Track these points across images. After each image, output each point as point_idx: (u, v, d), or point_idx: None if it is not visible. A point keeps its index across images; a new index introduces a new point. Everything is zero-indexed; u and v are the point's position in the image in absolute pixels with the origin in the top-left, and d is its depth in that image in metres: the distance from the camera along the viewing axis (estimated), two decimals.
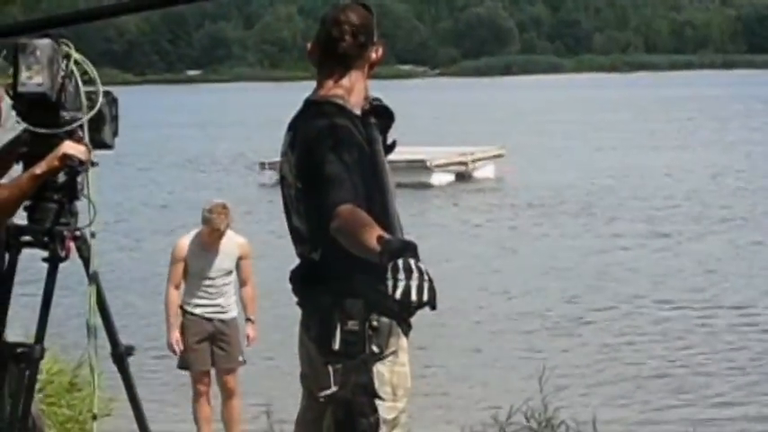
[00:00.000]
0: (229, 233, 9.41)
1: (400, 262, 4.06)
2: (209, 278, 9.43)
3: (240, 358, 9.51)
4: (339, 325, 4.58)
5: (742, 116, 55.46)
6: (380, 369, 4.61)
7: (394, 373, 4.66)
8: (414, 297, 4.04)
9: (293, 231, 4.83)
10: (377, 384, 4.60)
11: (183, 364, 9.58)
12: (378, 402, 4.59)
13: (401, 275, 4.04)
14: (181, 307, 9.45)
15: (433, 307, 4.11)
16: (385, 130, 4.86)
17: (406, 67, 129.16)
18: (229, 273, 9.43)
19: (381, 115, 4.87)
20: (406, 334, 4.72)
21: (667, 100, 71.05)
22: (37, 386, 6.07)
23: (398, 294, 4.04)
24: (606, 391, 12.00)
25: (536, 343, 14.44)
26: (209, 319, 9.45)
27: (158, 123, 53.18)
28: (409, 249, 4.13)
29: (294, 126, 4.81)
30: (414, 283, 4.04)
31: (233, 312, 9.52)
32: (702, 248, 21.73)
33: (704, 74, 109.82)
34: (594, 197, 28.85)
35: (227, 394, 9.60)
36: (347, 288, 4.61)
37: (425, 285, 4.06)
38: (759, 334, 14.90)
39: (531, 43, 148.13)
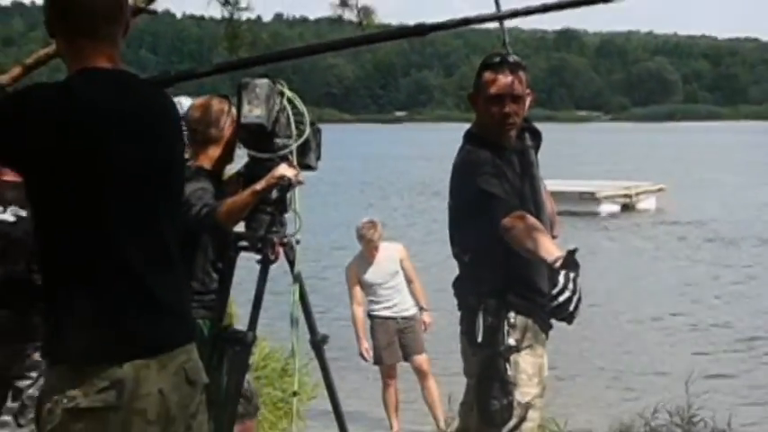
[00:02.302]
0: (384, 243, 9.63)
1: (572, 275, 4.13)
2: (381, 283, 9.59)
3: (423, 343, 9.59)
4: (482, 321, 4.62)
5: None
6: (517, 359, 4.62)
7: (529, 363, 4.66)
8: (571, 307, 4.15)
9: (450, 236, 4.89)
10: (512, 372, 4.60)
11: (376, 361, 9.65)
12: (511, 387, 4.60)
13: (570, 286, 4.12)
14: (369, 314, 9.65)
15: (570, 323, 4.25)
16: (536, 149, 4.84)
17: (583, 113, 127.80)
18: (396, 274, 9.54)
19: (535, 136, 4.86)
20: (545, 331, 4.74)
21: None
22: (253, 369, 6.22)
23: (561, 300, 4.13)
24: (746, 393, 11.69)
25: (677, 350, 14.16)
26: (393, 318, 9.57)
27: (368, 154, 53.55)
28: (578, 267, 4.18)
29: None
30: (574, 297, 4.13)
31: (412, 310, 9.57)
32: None
33: None
34: (748, 228, 28.16)
35: (423, 378, 9.61)
36: (490, 288, 4.65)
37: (577, 301, 4.16)
38: None
39: (693, 94, 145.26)
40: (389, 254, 9.58)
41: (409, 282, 9.55)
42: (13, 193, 5.61)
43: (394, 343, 9.59)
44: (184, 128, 5.51)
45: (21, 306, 5.71)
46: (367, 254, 9.65)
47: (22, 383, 5.80)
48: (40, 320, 5.74)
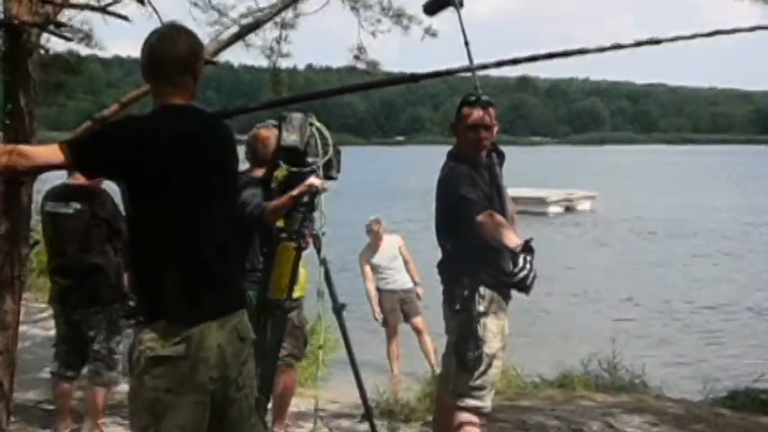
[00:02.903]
0: (387, 235, 9.85)
1: (528, 258, 4.17)
2: (385, 266, 9.76)
3: (420, 310, 9.70)
4: (459, 292, 4.63)
5: (762, 177, 53.43)
6: (485, 322, 4.61)
7: (494, 325, 4.66)
8: (528, 282, 4.19)
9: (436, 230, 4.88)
10: (481, 331, 4.60)
11: (384, 323, 9.76)
12: (481, 342, 4.60)
13: (527, 266, 4.15)
14: (377, 288, 9.71)
15: (527, 294, 4.29)
16: (501, 165, 4.81)
17: (536, 138, 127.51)
18: (396, 258, 9.72)
19: (500, 155, 4.83)
20: (507, 301, 4.72)
21: (709, 164, 69.02)
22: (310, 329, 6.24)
23: (520, 276, 4.18)
24: (656, 348, 11.69)
25: (606, 316, 14.12)
26: (396, 291, 9.72)
27: (376, 169, 53.62)
28: (533, 252, 4.21)
29: None
30: (531, 275, 4.17)
31: (409, 284, 9.72)
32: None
33: (732, 148, 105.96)
34: (661, 224, 28.18)
35: (419, 334, 9.77)
36: (466, 268, 4.64)
37: (533, 278, 4.18)
38: None
39: (618, 125, 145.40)
40: (391, 243, 9.77)
41: (406, 263, 9.71)
42: (76, 193, 5.74)
43: (396, 309, 9.73)
44: (245, 147, 5.58)
45: (78, 277, 5.74)
46: (374, 244, 9.80)
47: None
48: (96, 289, 5.82)
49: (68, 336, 5.85)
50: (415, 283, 9.72)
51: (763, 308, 15.20)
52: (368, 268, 9.76)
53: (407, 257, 9.79)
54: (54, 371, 5.91)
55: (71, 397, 6.00)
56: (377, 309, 9.69)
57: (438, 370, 8.32)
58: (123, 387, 5.84)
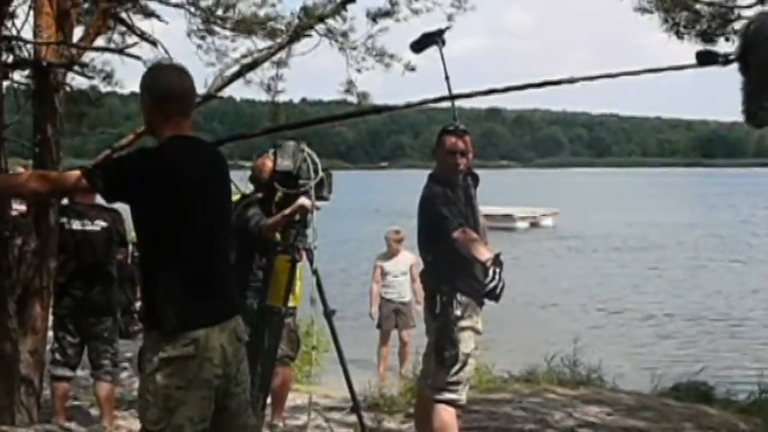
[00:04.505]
0: (405, 251, 9.48)
1: (498, 270, 4.13)
2: (394, 275, 9.51)
3: (411, 323, 9.36)
4: (438, 299, 4.61)
5: (703, 196, 53.84)
6: (461, 324, 4.61)
7: (470, 327, 4.65)
8: (497, 291, 4.14)
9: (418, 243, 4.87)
10: (457, 333, 4.59)
11: (378, 325, 9.62)
12: (458, 342, 4.60)
13: (497, 277, 4.11)
14: (380, 295, 9.56)
15: (497, 301, 4.23)
16: (475, 186, 4.83)
17: (504, 162, 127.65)
18: (405, 273, 9.43)
19: (475, 178, 4.85)
20: (480, 306, 4.70)
21: (655, 184, 69.48)
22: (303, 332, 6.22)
23: (491, 286, 4.13)
24: (615, 349, 11.71)
25: (566, 319, 14.16)
26: (394, 301, 9.52)
27: (363, 191, 53.66)
28: (502, 264, 4.17)
29: None
30: (500, 284, 4.12)
31: (408, 297, 9.45)
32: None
33: (677, 170, 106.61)
34: (609, 240, 28.29)
35: (403, 344, 9.55)
36: (444, 278, 4.63)
37: (502, 287, 4.14)
38: None
39: (576, 150, 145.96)
40: (405, 258, 9.46)
41: (413, 281, 9.36)
42: (96, 212, 5.78)
43: (391, 317, 9.54)
44: (249, 171, 5.62)
45: (101, 286, 5.74)
46: (391, 251, 9.59)
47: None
48: (115, 297, 5.83)
49: (75, 341, 5.78)
50: (418, 302, 9.25)
51: (704, 315, 15.20)
52: (378, 271, 9.65)
53: (415, 277, 9.41)
54: (58, 374, 5.79)
55: (68, 396, 5.99)
56: (374, 309, 9.58)
57: (407, 375, 8.37)
58: (136, 385, 5.81)
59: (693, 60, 3.33)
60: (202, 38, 7.18)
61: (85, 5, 6.02)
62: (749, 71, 3.10)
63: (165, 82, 3.13)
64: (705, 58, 3.24)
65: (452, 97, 4.54)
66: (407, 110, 4.12)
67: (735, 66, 3.15)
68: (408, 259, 9.44)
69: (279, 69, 7.54)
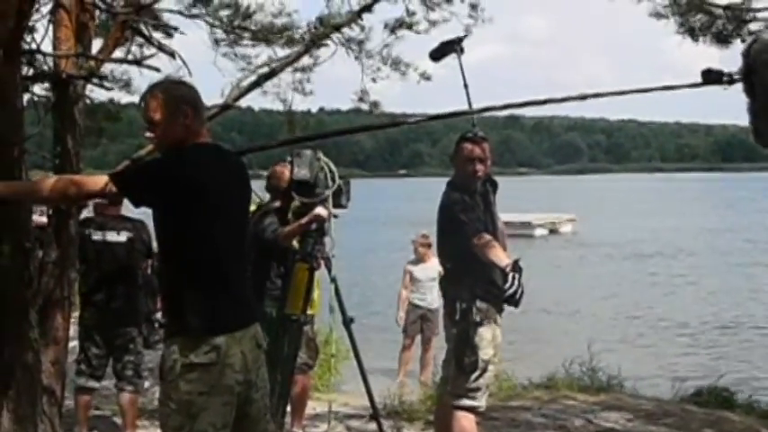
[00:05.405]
0: (434, 258, 9.19)
1: (517, 276, 4.15)
2: (423, 281, 9.51)
3: (437, 330, 9.21)
4: (458, 305, 4.63)
5: (727, 200, 53.47)
6: (481, 331, 4.62)
7: (488, 334, 4.65)
8: (517, 297, 4.15)
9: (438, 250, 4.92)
10: (477, 339, 4.60)
11: (404, 330, 9.63)
12: (477, 350, 4.60)
13: (516, 283, 4.13)
14: (409, 301, 9.57)
15: (516, 307, 4.24)
16: (494, 193, 4.85)
17: (523, 169, 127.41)
18: (433, 279, 9.25)
19: (493, 184, 4.88)
20: (500, 313, 4.70)
21: (676, 189, 69.10)
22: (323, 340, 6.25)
23: (510, 292, 4.15)
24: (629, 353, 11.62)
25: (584, 325, 14.06)
26: (422, 307, 9.53)
27: (384, 199, 53.66)
28: (521, 270, 4.19)
29: None
30: (519, 290, 4.14)
31: (436, 304, 9.29)
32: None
33: (696, 175, 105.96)
34: (627, 246, 28.12)
35: (426, 350, 9.56)
36: (464, 284, 4.64)
37: (521, 293, 4.16)
38: None
39: (595, 156, 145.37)
40: (434, 265, 9.23)
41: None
42: (123, 223, 5.83)
43: (417, 322, 9.55)
44: (266, 180, 5.67)
45: (125, 295, 5.77)
46: (420, 257, 9.60)
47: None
48: (140, 306, 5.87)
49: (101, 352, 5.81)
50: None
51: (729, 323, 15.09)
52: (408, 277, 9.65)
53: None
54: (82, 384, 5.81)
55: (91, 406, 6.01)
56: (402, 314, 9.59)
57: (426, 382, 8.37)
58: (157, 394, 5.84)
59: (709, 64, 3.33)
60: (229, 45, 7.20)
61: (103, 17, 6.08)
62: (754, 91, 3.10)
63: (194, 92, 3.21)
64: (709, 78, 3.25)
65: (472, 113, 4.56)
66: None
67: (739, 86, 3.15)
68: (437, 266, 9.29)
69: (299, 77, 7.52)
